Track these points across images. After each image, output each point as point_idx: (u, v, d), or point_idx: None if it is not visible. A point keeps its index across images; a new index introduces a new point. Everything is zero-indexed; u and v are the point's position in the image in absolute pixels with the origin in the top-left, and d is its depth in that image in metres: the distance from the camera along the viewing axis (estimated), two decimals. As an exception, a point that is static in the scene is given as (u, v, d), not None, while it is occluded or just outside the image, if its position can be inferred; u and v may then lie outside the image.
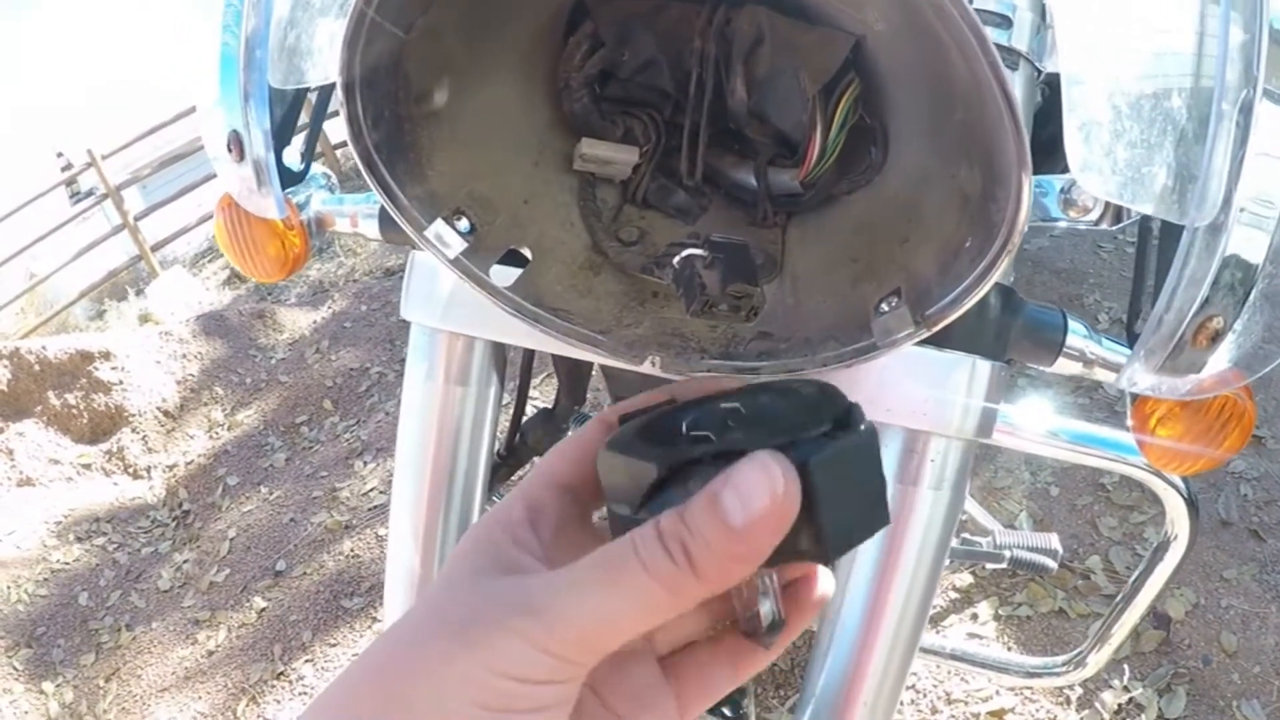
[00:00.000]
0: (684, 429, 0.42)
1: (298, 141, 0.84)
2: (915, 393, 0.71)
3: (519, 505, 0.45)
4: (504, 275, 0.63)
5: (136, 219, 8.51)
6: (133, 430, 4.54)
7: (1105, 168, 0.53)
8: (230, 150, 0.73)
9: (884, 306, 0.56)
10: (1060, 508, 2.59)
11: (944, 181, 0.57)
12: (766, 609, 0.43)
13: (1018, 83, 0.67)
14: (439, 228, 0.59)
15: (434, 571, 0.88)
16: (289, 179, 0.82)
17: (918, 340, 0.54)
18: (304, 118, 0.89)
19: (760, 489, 0.34)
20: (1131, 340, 0.70)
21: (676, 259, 0.60)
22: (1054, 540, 1.59)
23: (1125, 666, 2.08)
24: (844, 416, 0.41)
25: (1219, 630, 2.16)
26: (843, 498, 0.37)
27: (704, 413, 0.44)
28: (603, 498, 0.45)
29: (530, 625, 0.36)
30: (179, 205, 8.53)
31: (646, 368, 0.63)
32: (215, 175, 0.79)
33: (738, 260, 0.59)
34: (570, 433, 1.31)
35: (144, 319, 6.77)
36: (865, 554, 0.75)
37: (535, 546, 0.43)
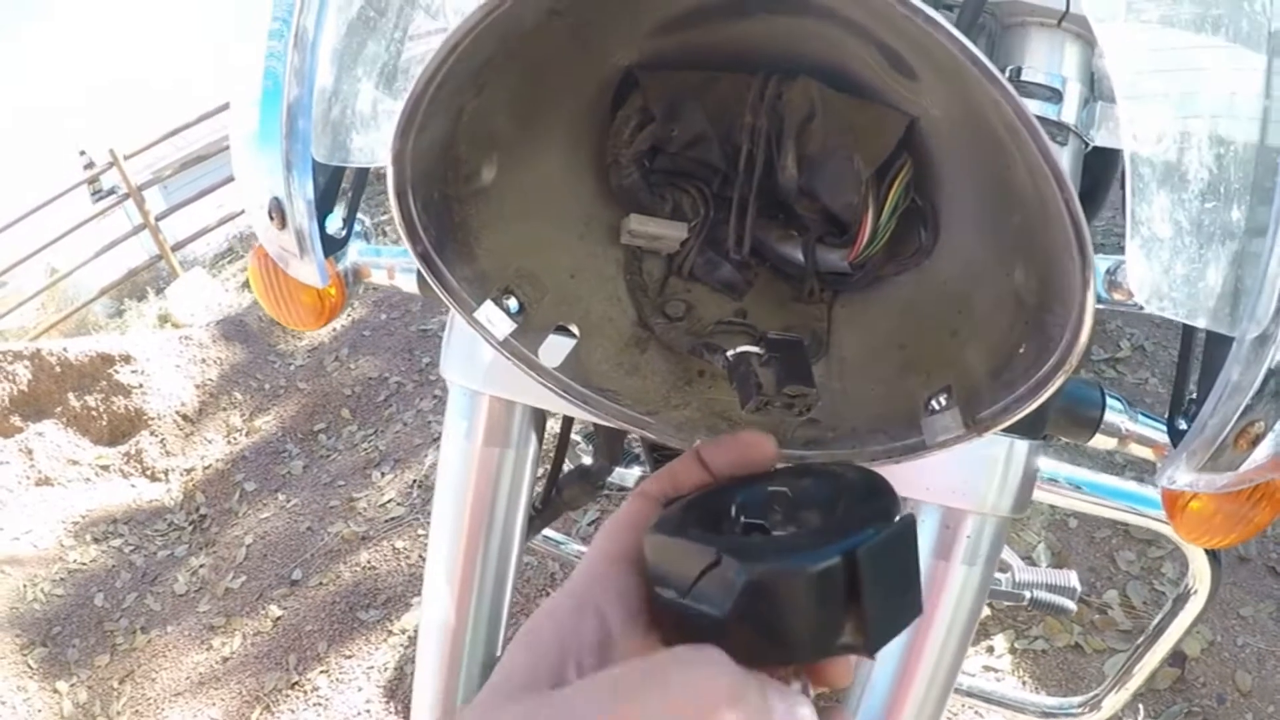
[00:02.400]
0: (733, 512, 0.43)
1: (339, 209, 0.84)
2: (953, 472, 0.71)
3: (580, 588, 0.45)
4: (551, 352, 0.63)
5: (157, 219, 8.52)
6: (151, 433, 4.56)
7: (1163, 286, 0.53)
8: (271, 218, 0.73)
9: (934, 404, 0.56)
10: (1079, 540, 2.57)
11: (997, 278, 0.57)
12: None
13: (1065, 156, 0.66)
14: (488, 310, 0.59)
15: (468, 623, 0.88)
16: (330, 245, 0.82)
17: (967, 443, 0.54)
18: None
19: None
20: (1172, 434, 0.70)
21: (731, 353, 0.61)
22: (1073, 578, 1.59)
23: (1140, 706, 2.07)
24: (887, 506, 0.41)
25: (1234, 669, 2.15)
26: (886, 587, 0.37)
27: (751, 495, 0.44)
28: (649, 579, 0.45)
29: None
30: (200, 206, 8.55)
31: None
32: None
33: (794, 360, 0.59)
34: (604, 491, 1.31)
35: (163, 319, 6.79)
36: (894, 630, 0.75)
37: (589, 636, 0.43)
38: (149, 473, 4.42)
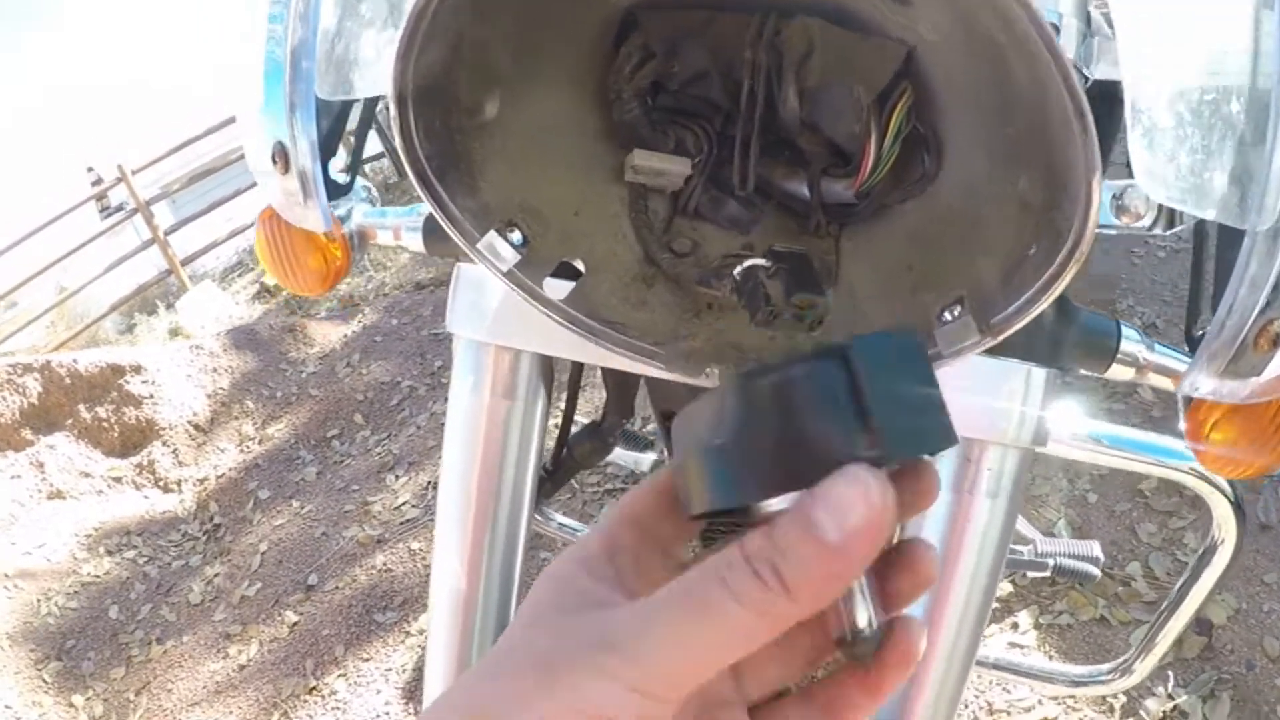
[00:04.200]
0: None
1: (342, 156, 0.83)
2: (971, 402, 0.70)
3: (595, 540, 0.44)
4: (556, 289, 0.62)
5: (166, 233, 8.57)
6: (163, 443, 4.56)
7: (1168, 174, 0.52)
8: (275, 162, 0.72)
9: (947, 316, 0.55)
10: (1099, 514, 2.56)
11: (1002, 190, 0.56)
12: (863, 617, 0.38)
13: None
14: (492, 239, 0.58)
15: (479, 588, 0.87)
16: (334, 191, 0.81)
17: (982, 349, 0.53)
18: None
19: (855, 501, 0.31)
20: (1190, 344, 0.69)
21: (738, 270, 0.60)
22: (1095, 547, 1.58)
23: (1170, 673, 2.06)
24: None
25: (1261, 635, 2.14)
26: (895, 391, 0.34)
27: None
28: (683, 527, 0.44)
29: (617, 662, 0.34)
30: (209, 219, 8.60)
31: (704, 380, 0.62)
32: (244, 190, 0.80)
33: (801, 270, 0.58)
34: (618, 447, 1.30)
35: (174, 333, 6.82)
36: (922, 564, 0.74)
37: (613, 579, 0.41)
38: (162, 483, 4.42)
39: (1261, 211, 0.53)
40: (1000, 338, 0.52)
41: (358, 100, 0.80)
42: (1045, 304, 0.50)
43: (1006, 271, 0.54)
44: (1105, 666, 1.41)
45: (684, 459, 0.39)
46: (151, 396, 4.69)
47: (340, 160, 0.83)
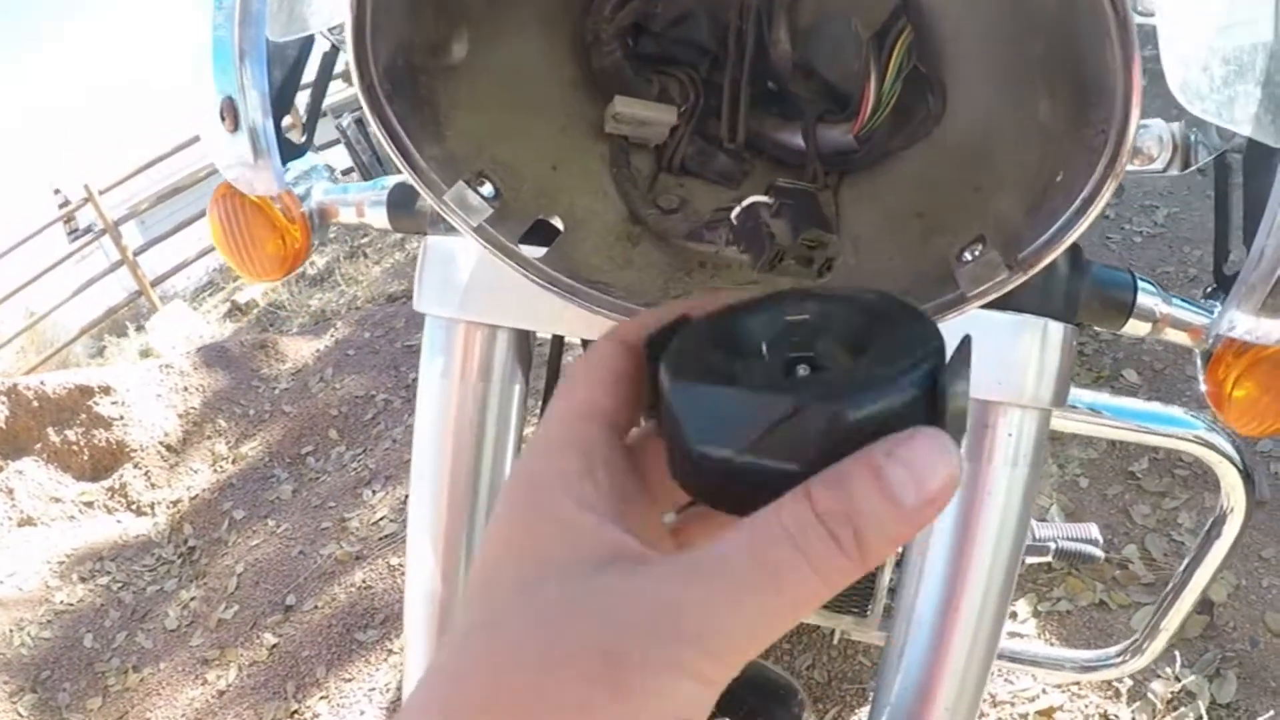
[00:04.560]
0: (762, 349, 0.37)
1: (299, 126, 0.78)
2: (986, 361, 0.65)
3: (573, 456, 0.37)
4: (532, 252, 0.57)
5: (135, 254, 8.48)
6: (135, 466, 4.46)
7: (1202, 85, 0.48)
8: (224, 119, 0.66)
9: (967, 255, 0.50)
10: (1091, 499, 2.55)
11: (1017, 121, 0.53)
12: None
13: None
14: (461, 190, 0.53)
15: (458, 588, 0.81)
16: (288, 151, 0.75)
17: (1011, 286, 0.48)
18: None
19: (938, 467, 0.30)
20: (1221, 283, 0.67)
21: (736, 211, 0.55)
22: (1093, 530, 1.56)
23: (1176, 654, 2.03)
24: (924, 326, 0.35)
25: (1263, 611, 2.14)
26: (961, 407, 0.33)
27: (767, 325, 0.37)
28: (665, 434, 0.37)
29: (695, 656, 0.30)
30: (178, 239, 8.51)
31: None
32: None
33: (807, 206, 0.53)
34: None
35: (145, 354, 6.73)
36: (939, 543, 0.69)
37: (603, 508, 0.35)
38: (134, 506, 4.32)
39: None
40: (1031, 272, 0.48)
41: (311, 45, 0.74)
42: (1080, 230, 0.46)
43: (1031, 203, 0.50)
44: (1113, 649, 1.39)
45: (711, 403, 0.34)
46: (121, 418, 4.59)
47: (297, 121, 0.77)
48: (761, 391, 0.33)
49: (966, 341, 0.34)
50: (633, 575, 0.32)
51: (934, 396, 0.32)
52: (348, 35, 0.48)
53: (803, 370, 0.35)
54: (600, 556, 0.33)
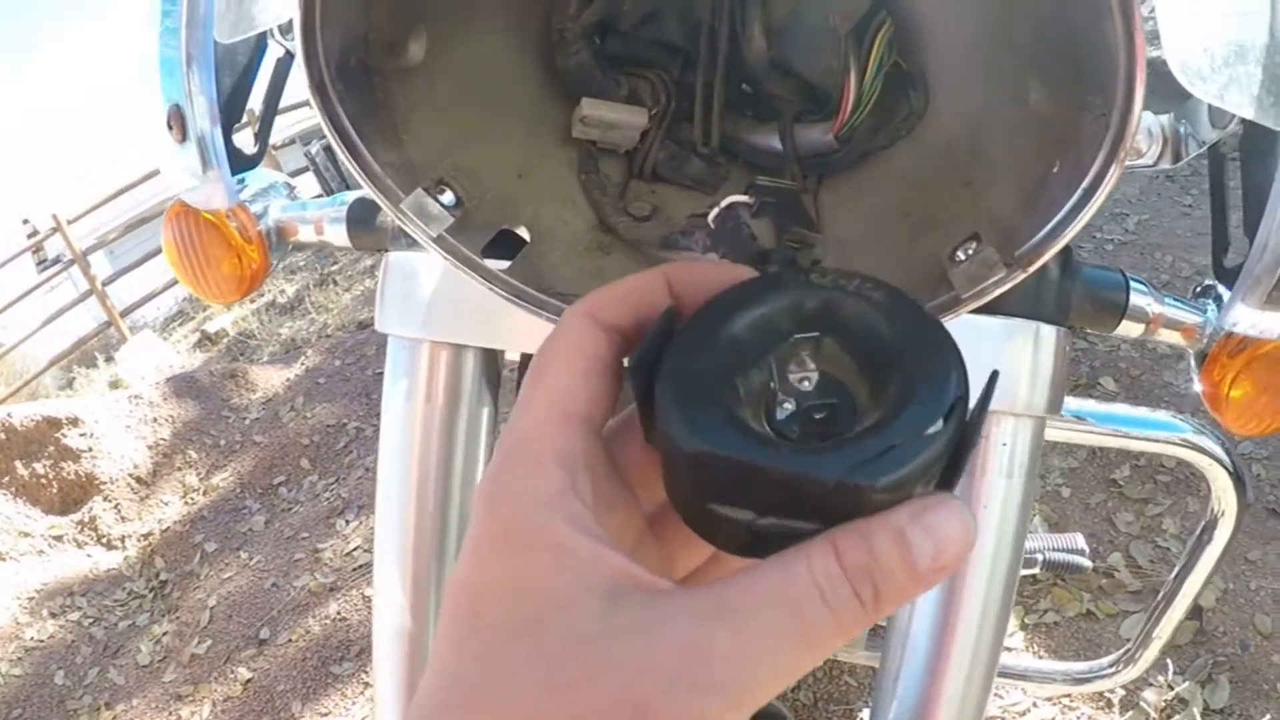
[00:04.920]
0: (774, 375, 0.35)
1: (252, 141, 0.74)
2: (976, 365, 0.62)
3: (554, 468, 0.33)
4: (496, 264, 0.54)
5: (104, 284, 8.42)
6: (105, 498, 4.39)
7: (1205, 67, 0.46)
8: (171, 128, 0.62)
9: (960, 255, 0.47)
10: (1074, 508, 2.55)
11: (1009, 111, 0.51)
12: None
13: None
14: (419, 199, 0.49)
15: (429, 622, 0.77)
16: (240, 162, 0.71)
17: (1010, 285, 0.45)
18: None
19: (956, 538, 0.30)
20: (1221, 277, 0.65)
21: (714, 212, 0.52)
22: (1079, 540, 1.55)
23: (1168, 661, 2.03)
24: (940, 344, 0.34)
25: (1252, 614, 2.14)
26: (975, 444, 0.32)
27: (778, 336, 0.35)
28: (674, 482, 0.34)
29: (722, 705, 0.28)
30: (147, 269, 8.46)
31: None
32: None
33: (790, 205, 0.50)
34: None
35: (114, 385, 6.66)
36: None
37: (594, 526, 0.32)
38: (104, 540, 4.25)
39: None
40: (1030, 270, 0.45)
41: (263, 51, 0.71)
42: (1081, 224, 0.44)
43: (1027, 197, 0.48)
44: (1105, 660, 1.38)
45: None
46: (90, 450, 4.52)
47: (249, 131, 0.74)
48: (783, 455, 0.31)
49: (993, 379, 0.33)
50: (650, 612, 0.29)
51: (957, 450, 0.31)
52: (296, 30, 0.44)
53: (820, 415, 0.34)
54: (607, 588, 0.30)
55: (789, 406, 0.34)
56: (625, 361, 0.37)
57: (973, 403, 0.32)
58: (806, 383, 0.34)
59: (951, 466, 0.31)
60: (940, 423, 0.30)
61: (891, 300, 0.35)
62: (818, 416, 0.34)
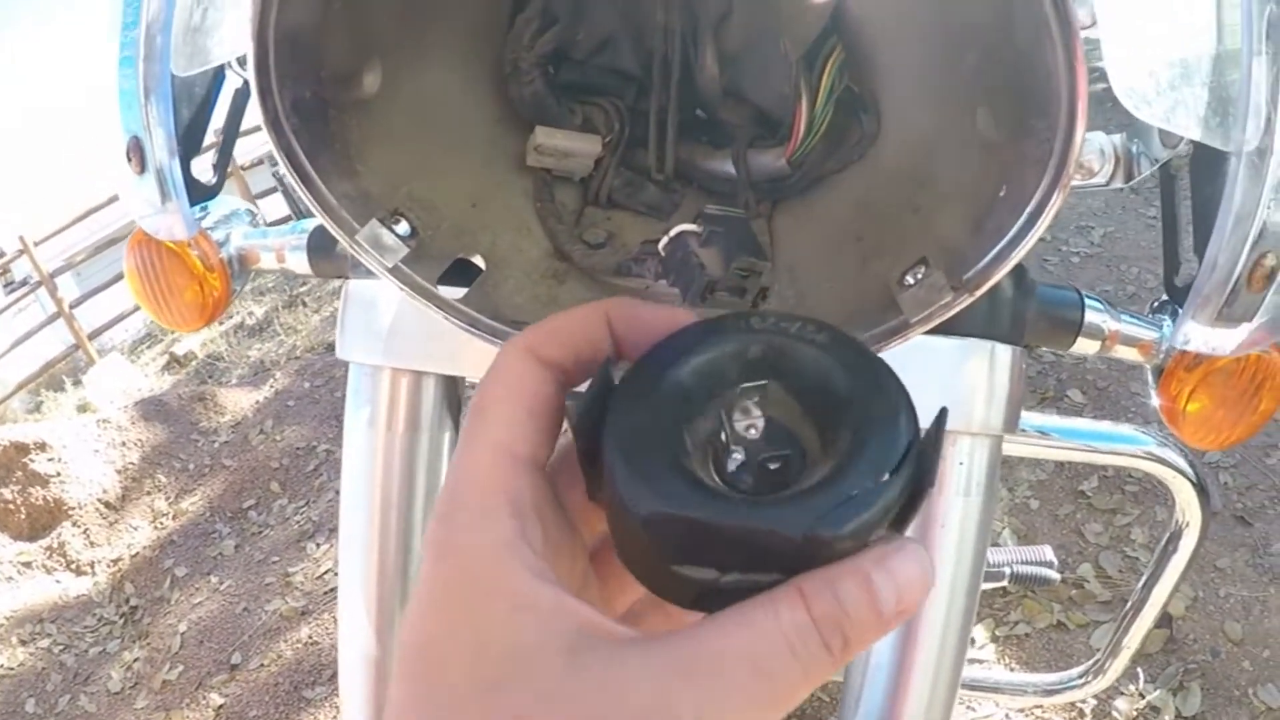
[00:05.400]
0: (725, 426, 0.35)
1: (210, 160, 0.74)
2: (933, 389, 0.63)
3: (505, 514, 0.32)
4: (454, 292, 0.54)
5: (72, 306, 8.35)
6: (73, 524, 4.34)
7: (1149, 90, 0.47)
8: (130, 160, 0.62)
9: (909, 279, 0.48)
10: (1043, 520, 2.56)
11: (957, 135, 0.51)
12: None
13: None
14: (374, 230, 0.50)
15: (394, 648, 0.77)
16: (199, 192, 0.71)
17: (958, 309, 0.46)
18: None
19: (917, 582, 0.31)
20: (1173, 295, 0.65)
21: (664, 241, 0.52)
22: (1048, 552, 1.56)
23: (1139, 670, 2.05)
24: (882, 383, 0.34)
25: (1221, 621, 2.16)
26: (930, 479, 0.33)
27: (726, 384, 0.35)
28: (628, 543, 0.34)
29: None
30: (115, 290, 8.38)
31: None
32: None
33: (738, 233, 0.51)
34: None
35: (82, 408, 6.59)
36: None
37: (547, 570, 0.32)
38: (74, 566, 4.21)
39: (1245, 130, 0.50)
40: (978, 294, 0.46)
41: (221, 82, 0.71)
42: (1026, 248, 0.44)
43: (975, 221, 0.48)
44: (1076, 671, 1.39)
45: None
46: (59, 475, 4.47)
47: (208, 160, 0.73)
48: (744, 511, 0.31)
49: (942, 416, 0.33)
50: (614, 668, 0.29)
51: (913, 491, 0.32)
52: (250, 66, 0.45)
53: (774, 464, 0.34)
54: (569, 640, 0.30)
55: (739, 457, 0.34)
56: (566, 400, 0.36)
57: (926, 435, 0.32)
58: (753, 430, 0.34)
59: (908, 506, 0.32)
60: (896, 466, 0.31)
61: (834, 341, 0.35)
62: (772, 467, 0.34)
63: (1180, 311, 0.56)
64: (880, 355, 0.35)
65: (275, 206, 7.96)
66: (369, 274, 0.72)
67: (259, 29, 0.44)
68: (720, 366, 0.35)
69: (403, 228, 0.51)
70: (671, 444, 0.33)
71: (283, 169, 0.48)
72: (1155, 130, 0.61)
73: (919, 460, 0.32)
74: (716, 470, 0.34)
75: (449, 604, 0.31)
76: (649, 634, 0.30)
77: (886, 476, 0.31)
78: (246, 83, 0.77)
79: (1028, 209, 0.43)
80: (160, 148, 0.62)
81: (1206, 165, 0.56)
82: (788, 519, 0.30)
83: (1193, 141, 0.53)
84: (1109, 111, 0.51)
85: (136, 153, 0.62)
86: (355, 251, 0.50)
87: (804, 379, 0.35)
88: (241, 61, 0.68)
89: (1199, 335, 0.54)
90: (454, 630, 0.31)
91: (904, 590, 0.30)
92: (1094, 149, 0.62)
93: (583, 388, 0.36)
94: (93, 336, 8.54)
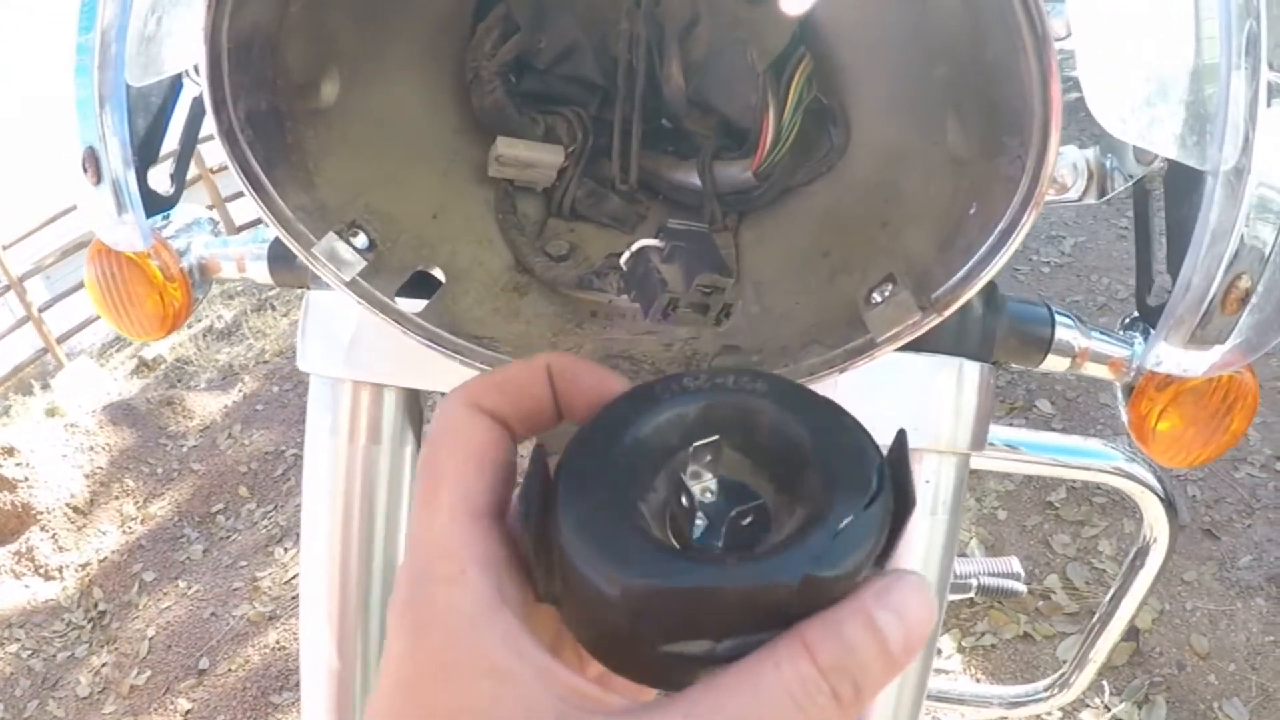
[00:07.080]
0: (684, 491, 0.33)
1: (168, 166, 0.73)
2: (900, 406, 0.63)
3: (479, 579, 0.31)
4: (412, 305, 0.53)
5: (41, 310, 8.25)
6: (41, 529, 4.29)
7: (1125, 107, 0.46)
8: (85, 171, 0.61)
9: (876, 297, 0.47)
10: (1010, 530, 2.57)
11: (925, 151, 0.51)
12: None
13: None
14: (331, 243, 0.49)
15: (356, 665, 0.75)
16: (156, 203, 0.70)
17: (925, 329, 0.45)
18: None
19: (924, 616, 0.29)
20: (1145, 315, 0.65)
21: (625, 255, 0.51)
22: (1014, 563, 1.55)
23: (1104, 684, 2.05)
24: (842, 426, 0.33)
25: (1188, 634, 2.16)
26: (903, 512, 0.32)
27: (675, 448, 0.34)
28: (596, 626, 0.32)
29: None
30: (84, 294, 8.30)
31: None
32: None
33: (701, 248, 0.50)
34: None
35: (51, 413, 6.51)
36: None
37: (519, 629, 0.30)
38: (42, 571, 4.15)
39: (1222, 149, 0.49)
40: (946, 314, 0.45)
41: (178, 92, 0.70)
42: (997, 267, 0.43)
43: (944, 239, 0.47)
44: (1041, 684, 1.39)
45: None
46: (26, 480, 4.41)
47: (165, 170, 0.72)
48: (734, 570, 0.29)
49: (902, 436, 0.32)
50: None
51: (896, 516, 0.31)
52: (203, 77, 0.44)
53: (746, 520, 0.33)
54: (558, 712, 0.28)
55: (701, 523, 0.33)
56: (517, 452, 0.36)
57: (891, 463, 0.32)
58: (709, 493, 0.33)
59: (894, 532, 0.30)
60: (875, 492, 0.30)
61: (774, 389, 0.34)
62: (745, 522, 0.33)
63: (1152, 332, 0.55)
64: (823, 392, 0.34)
65: (245, 210, 7.90)
66: (329, 285, 0.71)
67: (211, 37, 0.43)
68: (662, 435, 0.34)
69: (361, 240, 0.50)
70: (634, 520, 0.31)
71: (239, 181, 0.47)
72: (1129, 146, 0.61)
73: (895, 482, 0.31)
74: (678, 539, 0.33)
75: (423, 679, 0.30)
76: (641, 704, 0.29)
77: (868, 504, 0.30)
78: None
79: (999, 227, 0.43)
80: (115, 159, 0.61)
81: (1182, 183, 0.56)
82: (783, 568, 0.28)
83: (1168, 159, 0.53)
84: (1082, 122, 0.50)
85: (92, 163, 0.61)
86: (312, 265, 0.49)
87: (750, 432, 0.34)
88: (197, 70, 0.67)
89: (1171, 357, 0.54)
90: (429, 709, 0.29)
91: (911, 625, 0.28)
92: (1067, 164, 0.61)
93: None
94: (61, 340, 8.44)
